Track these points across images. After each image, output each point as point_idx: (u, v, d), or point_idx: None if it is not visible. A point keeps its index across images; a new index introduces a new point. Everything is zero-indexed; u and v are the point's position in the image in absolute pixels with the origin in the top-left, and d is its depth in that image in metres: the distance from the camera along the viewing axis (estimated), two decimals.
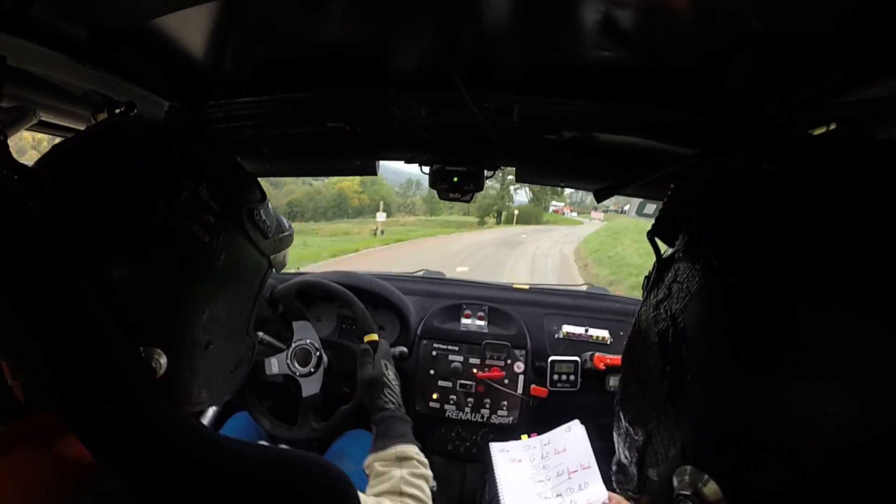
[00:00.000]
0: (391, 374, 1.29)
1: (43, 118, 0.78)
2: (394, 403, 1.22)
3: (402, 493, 0.99)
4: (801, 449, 0.36)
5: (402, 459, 1.06)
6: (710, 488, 0.41)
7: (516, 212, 45.80)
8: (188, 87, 0.92)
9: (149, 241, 0.55)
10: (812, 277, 0.36)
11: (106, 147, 0.61)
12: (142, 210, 0.55)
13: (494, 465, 1.37)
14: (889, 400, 0.33)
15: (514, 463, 1.36)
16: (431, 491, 1.35)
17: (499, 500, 1.25)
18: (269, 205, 0.73)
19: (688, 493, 0.42)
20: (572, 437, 1.33)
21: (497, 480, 1.31)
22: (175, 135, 0.68)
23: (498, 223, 43.00)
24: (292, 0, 0.69)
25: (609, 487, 1.13)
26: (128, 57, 0.77)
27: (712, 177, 0.50)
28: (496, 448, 1.43)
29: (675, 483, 0.44)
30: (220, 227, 0.60)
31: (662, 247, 0.52)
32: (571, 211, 62.28)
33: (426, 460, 1.10)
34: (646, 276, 0.54)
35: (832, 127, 0.64)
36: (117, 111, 0.74)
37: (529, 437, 1.46)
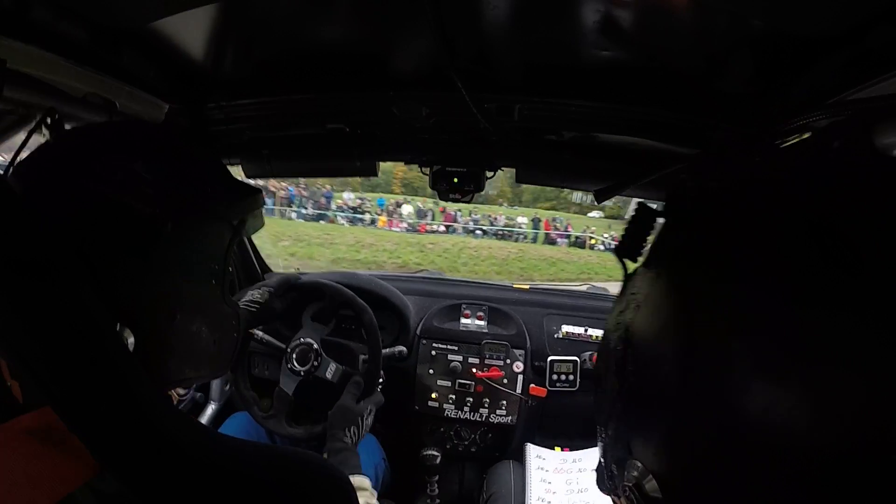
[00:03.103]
0: (368, 421, 1.29)
1: None
2: (352, 439, 1.22)
3: None
4: (740, 454, 0.36)
5: (359, 489, 1.08)
6: (651, 485, 0.42)
7: None
8: (188, 89, 0.92)
9: (94, 217, 0.55)
10: (810, 278, 0.36)
11: (45, 150, 0.61)
12: (74, 197, 0.55)
13: (528, 467, 1.44)
14: (887, 401, 0.33)
15: (546, 472, 1.43)
16: (430, 488, 1.35)
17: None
18: (227, 171, 0.72)
19: (630, 484, 0.44)
20: None
21: (529, 484, 1.38)
22: (117, 124, 0.68)
23: None
24: (292, 1, 0.69)
25: None
26: (128, 59, 0.77)
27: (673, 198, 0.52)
28: (533, 452, 1.49)
29: (626, 473, 0.46)
30: (160, 198, 0.59)
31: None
32: None
33: (376, 493, 1.12)
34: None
35: (832, 126, 0.65)
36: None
37: (563, 450, 1.52)
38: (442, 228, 20.82)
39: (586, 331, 1.77)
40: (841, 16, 0.54)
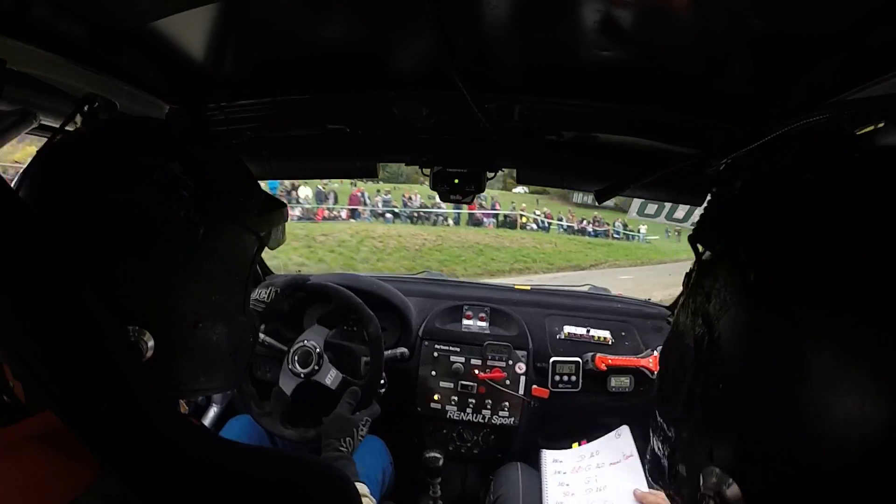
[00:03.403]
0: (363, 432, 1.29)
1: (43, 121, 0.78)
2: (346, 449, 1.22)
3: None
4: (814, 458, 0.36)
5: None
6: (733, 491, 0.41)
7: None
8: (188, 90, 0.92)
9: (125, 219, 0.55)
10: (818, 279, 0.36)
11: (76, 144, 0.61)
12: (111, 194, 0.55)
13: (544, 474, 1.43)
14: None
15: (564, 475, 1.41)
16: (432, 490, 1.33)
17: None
18: (256, 182, 0.73)
19: (711, 493, 0.43)
20: (622, 443, 1.41)
21: (545, 492, 1.37)
22: (149, 125, 0.68)
23: None
24: (292, 1, 0.70)
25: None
26: (128, 59, 0.77)
27: (748, 185, 0.50)
28: (549, 457, 1.48)
29: (702, 482, 0.45)
30: (196, 202, 0.59)
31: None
32: None
33: (375, 500, 1.12)
34: (686, 274, 0.54)
35: (833, 126, 0.64)
36: (86, 108, 0.73)
37: (580, 444, 1.50)
38: (344, 214, 17.25)
39: (588, 331, 1.76)
40: (841, 16, 0.53)
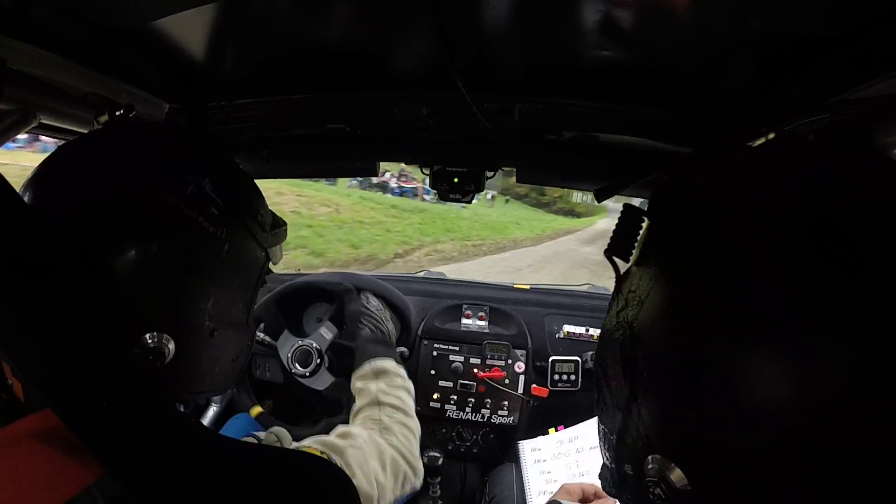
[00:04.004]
0: (373, 305, 1.31)
1: (44, 121, 0.78)
2: (371, 329, 1.24)
3: (380, 403, 1.01)
4: (757, 437, 0.38)
5: (378, 373, 1.09)
6: (676, 475, 0.43)
7: None
8: (188, 89, 0.92)
9: (157, 231, 0.58)
10: (818, 279, 0.36)
11: (110, 146, 0.63)
12: (150, 202, 0.58)
13: (524, 465, 1.44)
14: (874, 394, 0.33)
15: (544, 463, 1.42)
16: (432, 489, 1.33)
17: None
18: (265, 201, 0.76)
19: (655, 479, 0.45)
20: None
21: (527, 482, 1.38)
22: (176, 134, 0.72)
23: None
24: (292, 1, 0.69)
25: None
26: (128, 58, 0.77)
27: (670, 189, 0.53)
28: (527, 447, 1.48)
29: (645, 471, 0.47)
30: (223, 219, 0.63)
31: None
32: None
33: (405, 373, 1.13)
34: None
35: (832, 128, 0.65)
36: (118, 113, 0.75)
37: (556, 430, 1.50)
38: None
39: (587, 330, 1.76)
40: (841, 16, 0.53)
